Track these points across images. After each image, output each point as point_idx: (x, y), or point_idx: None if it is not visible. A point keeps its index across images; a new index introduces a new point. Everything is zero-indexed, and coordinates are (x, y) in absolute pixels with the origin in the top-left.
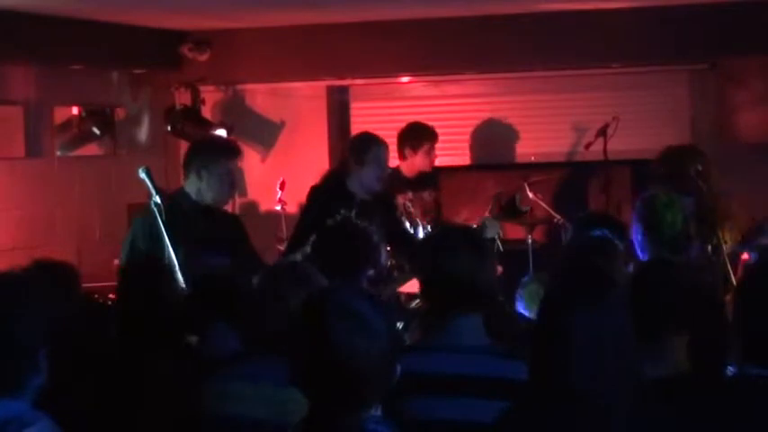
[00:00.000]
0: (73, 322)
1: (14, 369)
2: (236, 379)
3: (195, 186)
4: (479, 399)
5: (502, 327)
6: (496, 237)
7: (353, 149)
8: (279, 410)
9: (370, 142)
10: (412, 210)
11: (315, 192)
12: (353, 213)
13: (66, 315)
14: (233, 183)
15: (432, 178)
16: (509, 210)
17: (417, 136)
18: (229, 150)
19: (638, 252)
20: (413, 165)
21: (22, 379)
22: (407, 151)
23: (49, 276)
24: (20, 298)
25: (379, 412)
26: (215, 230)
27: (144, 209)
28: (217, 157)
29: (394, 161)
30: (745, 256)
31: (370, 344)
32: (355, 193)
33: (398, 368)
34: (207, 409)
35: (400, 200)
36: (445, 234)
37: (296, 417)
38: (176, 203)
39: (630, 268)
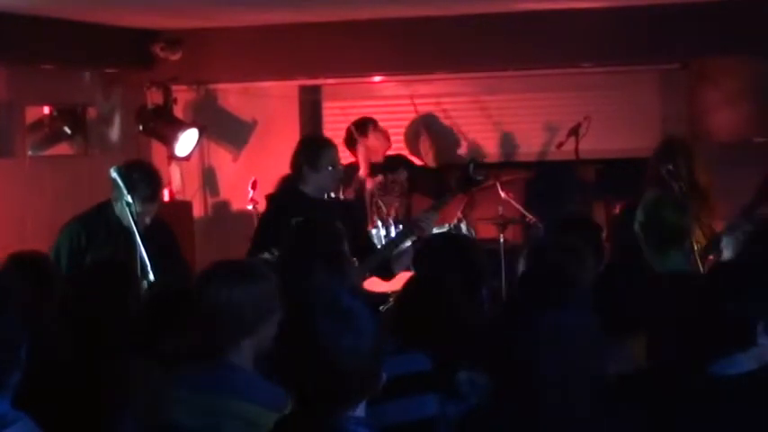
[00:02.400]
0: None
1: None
2: (182, 385)
3: (119, 211)
4: (392, 400)
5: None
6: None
7: (306, 156)
8: (212, 421)
9: (321, 147)
10: (384, 211)
11: (270, 199)
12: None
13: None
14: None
15: (399, 159)
16: (463, 181)
17: (362, 121)
18: (149, 194)
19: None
20: (367, 149)
21: (5, 378)
22: (358, 137)
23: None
24: (2, 296)
25: (362, 413)
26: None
27: (72, 218)
28: (133, 199)
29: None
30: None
31: (356, 342)
32: (310, 195)
33: (383, 372)
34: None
35: (368, 185)
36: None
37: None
38: (102, 216)
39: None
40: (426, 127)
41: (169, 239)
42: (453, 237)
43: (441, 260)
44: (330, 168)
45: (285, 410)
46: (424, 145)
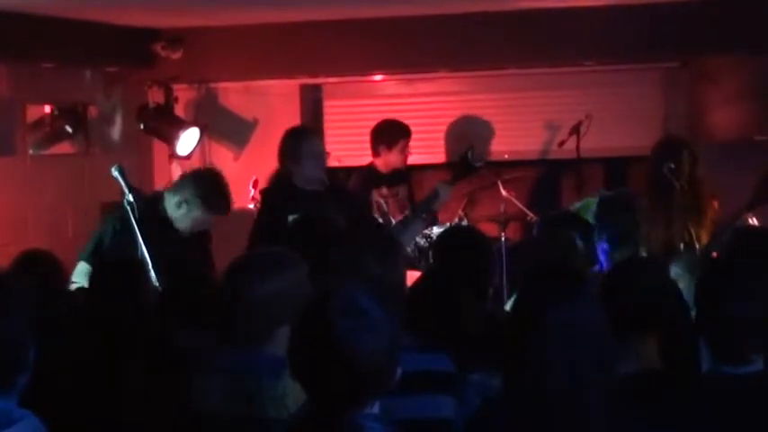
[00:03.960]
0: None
1: (4, 367)
2: (215, 373)
3: (172, 210)
4: (408, 396)
5: (476, 326)
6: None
7: (286, 148)
8: (249, 405)
9: (299, 137)
10: (386, 208)
11: (265, 194)
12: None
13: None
14: (203, 231)
15: (405, 175)
16: (463, 167)
17: (392, 133)
18: (218, 207)
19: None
20: (387, 162)
21: (11, 377)
22: (382, 149)
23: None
24: (8, 297)
25: (376, 410)
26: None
27: (116, 207)
28: (200, 205)
29: (368, 158)
30: (714, 255)
31: (373, 341)
32: (303, 187)
33: (399, 368)
34: (187, 405)
35: (375, 196)
36: (353, 236)
37: (277, 411)
38: (154, 207)
39: (598, 268)
40: None
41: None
42: (469, 232)
43: (455, 256)
44: (310, 156)
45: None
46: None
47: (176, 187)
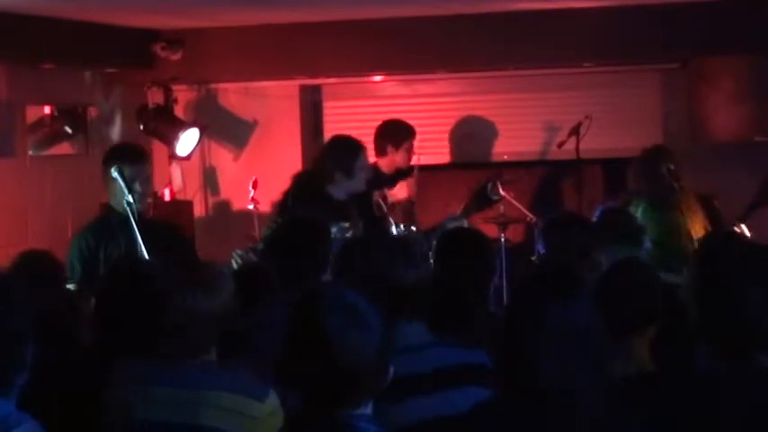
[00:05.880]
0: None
1: (3, 369)
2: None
3: (116, 195)
4: (448, 390)
5: (474, 326)
6: None
7: (341, 160)
8: (190, 414)
9: (356, 150)
10: (386, 210)
11: (295, 197)
12: (333, 216)
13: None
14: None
15: (407, 175)
16: (480, 199)
17: (399, 133)
18: (134, 153)
19: None
20: (393, 162)
21: (10, 378)
22: (389, 148)
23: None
24: (7, 297)
25: (369, 410)
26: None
27: (79, 227)
28: (121, 163)
29: (371, 158)
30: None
31: (364, 339)
32: (336, 198)
33: (392, 367)
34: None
35: (375, 197)
36: (373, 240)
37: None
38: (105, 218)
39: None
40: None
41: (169, 240)
42: (470, 233)
43: (457, 258)
44: (364, 171)
45: (265, 399)
46: None
47: (103, 177)
